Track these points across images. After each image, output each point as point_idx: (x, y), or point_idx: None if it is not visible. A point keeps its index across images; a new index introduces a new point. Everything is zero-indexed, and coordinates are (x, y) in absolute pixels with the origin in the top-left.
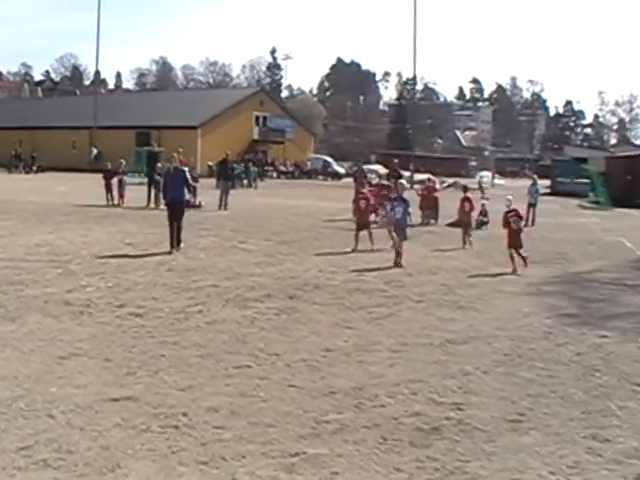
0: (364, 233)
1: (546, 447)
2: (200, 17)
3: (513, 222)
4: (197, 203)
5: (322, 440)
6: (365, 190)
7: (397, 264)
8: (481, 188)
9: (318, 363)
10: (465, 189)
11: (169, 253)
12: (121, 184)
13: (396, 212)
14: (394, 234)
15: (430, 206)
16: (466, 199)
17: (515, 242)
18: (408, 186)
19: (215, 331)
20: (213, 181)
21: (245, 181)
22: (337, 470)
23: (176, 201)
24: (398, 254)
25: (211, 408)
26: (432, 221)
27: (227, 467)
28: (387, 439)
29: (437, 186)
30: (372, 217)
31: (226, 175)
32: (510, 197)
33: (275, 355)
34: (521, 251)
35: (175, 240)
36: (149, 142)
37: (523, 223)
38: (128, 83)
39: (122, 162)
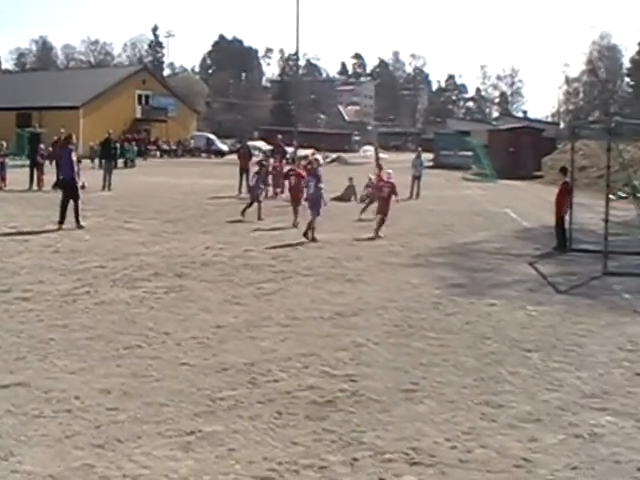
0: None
1: (441, 415)
2: None
3: (383, 191)
4: (80, 184)
5: (217, 417)
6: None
7: (313, 239)
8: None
9: (209, 340)
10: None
11: (58, 230)
12: (2, 167)
13: (309, 187)
14: (308, 210)
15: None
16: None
17: (383, 210)
18: (322, 162)
19: (104, 312)
20: (96, 161)
21: (124, 161)
22: (234, 447)
23: (65, 181)
24: (311, 228)
25: (104, 390)
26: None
27: (123, 449)
28: (282, 413)
29: (320, 161)
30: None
31: (108, 155)
32: (390, 170)
33: (165, 334)
34: (384, 218)
35: (74, 217)
36: (30, 124)
37: (398, 197)
38: (7, 64)
39: (3, 144)
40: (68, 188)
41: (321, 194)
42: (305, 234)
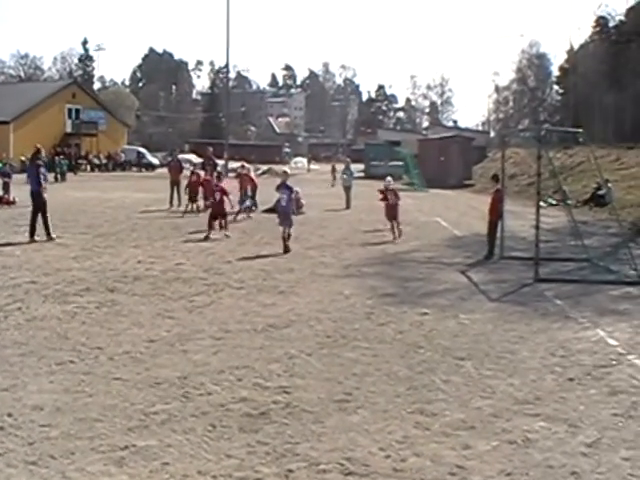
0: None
1: (375, 424)
2: (9, 8)
3: (390, 198)
4: (10, 199)
5: (150, 431)
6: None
7: (286, 250)
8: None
9: (142, 355)
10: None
11: (30, 243)
12: None
13: (281, 200)
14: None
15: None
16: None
17: (392, 214)
18: (290, 173)
19: (36, 328)
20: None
21: (55, 175)
22: (167, 460)
23: (34, 195)
24: (284, 240)
25: (36, 406)
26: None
27: (56, 465)
28: (216, 426)
29: (251, 174)
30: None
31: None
32: (390, 178)
33: (98, 349)
34: (399, 221)
35: (44, 230)
36: None
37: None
38: None
39: None
40: (36, 202)
41: (292, 206)
42: (285, 248)
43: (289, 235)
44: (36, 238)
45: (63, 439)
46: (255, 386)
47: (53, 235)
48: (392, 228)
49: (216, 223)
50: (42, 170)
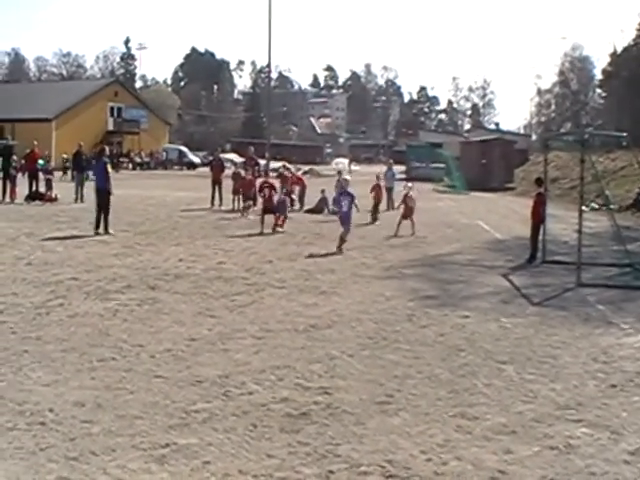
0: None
1: (416, 427)
2: (53, 7)
3: (409, 201)
4: (53, 196)
5: (191, 430)
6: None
7: (339, 249)
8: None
9: (183, 353)
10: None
11: (94, 235)
12: None
13: (342, 205)
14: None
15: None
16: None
17: (408, 214)
18: (350, 179)
19: (77, 324)
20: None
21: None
22: (208, 459)
23: (99, 191)
24: (342, 240)
25: (77, 402)
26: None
27: (97, 461)
28: (257, 426)
29: (298, 173)
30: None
31: (80, 167)
32: (410, 184)
33: (139, 346)
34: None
35: (103, 225)
36: (3, 136)
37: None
38: None
39: None
40: (101, 197)
41: (352, 212)
42: (339, 247)
43: (343, 240)
44: (100, 231)
45: (104, 435)
46: (296, 386)
47: (111, 230)
48: (412, 225)
49: (266, 218)
50: (108, 168)
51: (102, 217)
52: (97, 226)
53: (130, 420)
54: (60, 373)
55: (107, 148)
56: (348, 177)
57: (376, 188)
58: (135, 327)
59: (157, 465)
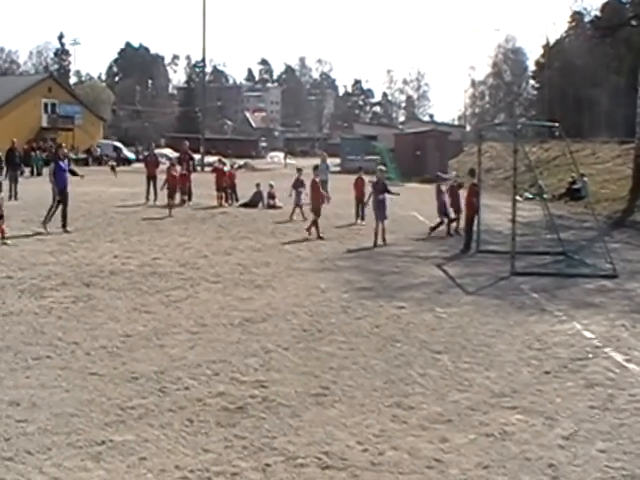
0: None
1: (352, 418)
2: None
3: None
4: None
5: (128, 426)
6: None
7: (376, 242)
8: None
9: (118, 349)
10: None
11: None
12: None
13: (384, 199)
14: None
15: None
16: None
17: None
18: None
19: (12, 323)
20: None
21: (30, 169)
22: (145, 455)
23: (63, 191)
24: (376, 234)
25: (12, 402)
26: (230, 202)
27: (33, 461)
28: (193, 421)
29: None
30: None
31: (14, 164)
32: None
33: (74, 344)
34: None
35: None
36: None
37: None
38: None
39: None
40: (65, 197)
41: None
42: (378, 240)
43: (383, 230)
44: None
45: (39, 434)
46: (232, 380)
47: (68, 228)
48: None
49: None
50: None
51: (65, 214)
52: (64, 224)
53: (66, 418)
54: None
55: (64, 147)
56: (383, 168)
57: (359, 182)
58: (70, 324)
59: (93, 462)
